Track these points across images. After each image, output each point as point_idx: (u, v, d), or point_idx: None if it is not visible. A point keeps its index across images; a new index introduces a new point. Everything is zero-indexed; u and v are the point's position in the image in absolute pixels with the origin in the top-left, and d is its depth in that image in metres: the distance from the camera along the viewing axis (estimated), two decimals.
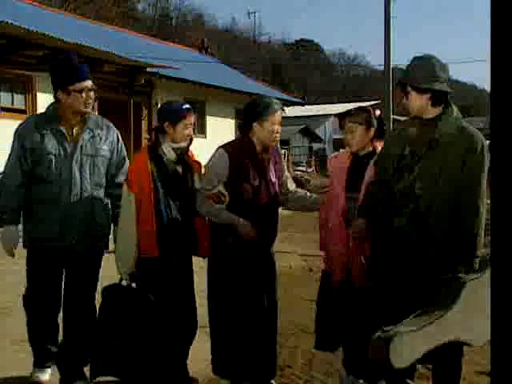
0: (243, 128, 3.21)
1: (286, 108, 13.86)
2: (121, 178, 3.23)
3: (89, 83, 3.10)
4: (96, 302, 3.26)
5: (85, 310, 3.22)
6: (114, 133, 3.30)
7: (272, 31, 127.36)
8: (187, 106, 3.20)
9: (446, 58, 2.88)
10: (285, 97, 19.03)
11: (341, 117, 3.27)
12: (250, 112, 3.17)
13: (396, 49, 59.43)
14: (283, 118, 3.33)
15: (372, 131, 3.17)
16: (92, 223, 3.16)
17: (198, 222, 3.21)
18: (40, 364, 3.27)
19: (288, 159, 20.57)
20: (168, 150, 3.14)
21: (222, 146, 3.18)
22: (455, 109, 2.79)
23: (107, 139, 3.23)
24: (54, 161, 3.06)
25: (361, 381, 3.18)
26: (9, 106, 10.62)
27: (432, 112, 2.77)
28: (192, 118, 3.17)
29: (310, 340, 3.51)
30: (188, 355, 3.26)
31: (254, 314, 3.13)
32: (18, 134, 3.12)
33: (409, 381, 2.92)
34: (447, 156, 2.68)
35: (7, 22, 9.01)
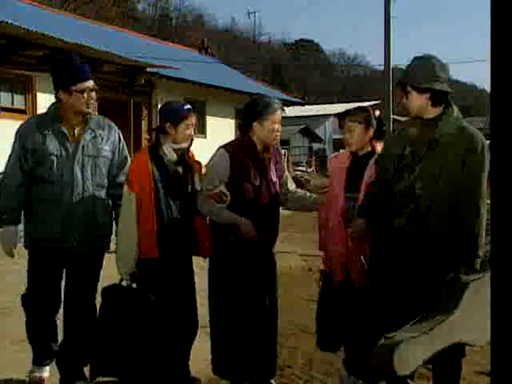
0: (243, 127, 3.21)
1: (286, 108, 13.87)
2: (122, 178, 3.23)
3: (90, 83, 3.10)
4: (96, 302, 3.26)
5: (85, 310, 3.22)
6: (116, 132, 3.29)
7: (272, 31, 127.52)
8: (188, 106, 3.20)
9: (445, 58, 2.88)
10: (285, 97, 19.02)
11: (340, 116, 3.29)
12: (250, 111, 3.17)
13: (396, 49, 59.44)
14: (283, 118, 3.33)
15: (371, 131, 3.17)
16: (93, 224, 3.16)
17: (199, 221, 3.21)
18: (39, 362, 3.27)
19: (288, 159, 20.56)
20: (169, 151, 3.14)
21: (223, 146, 3.18)
22: (455, 109, 2.79)
23: (109, 139, 3.22)
24: (55, 161, 3.06)
25: (360, 381, 3.18)
26: (9, 106, 10.62)
27: (432, 112, 2.77)
28: (193, 119, 3.18)
29: (310, 340, 3.51)
30: (190, 355, 3.26)
31: (254, 314, 3.13)
32: (20, 135, 3.11)
33: (409, 381, 2.92)
34: (447, 156, 2.68)
35: (7, 22, 9.01)
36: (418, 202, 2.73)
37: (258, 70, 39.98)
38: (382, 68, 19.10)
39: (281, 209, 3.36)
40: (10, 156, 3.13)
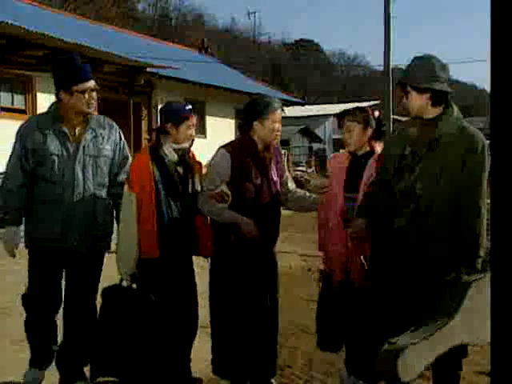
0: (244, 127, 3.21)
1: (285, 108, 13.86)
2: (123, 177, 3.22)
3: (92, 83, 3.09)
4: (96, 302, 3.26)
5: (85, 310, 3.22)
6: (117, 132, 3.29)
7: (272, 31, 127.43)
8: (190, 107, 3.21)
9: (445, 58, 2.88)
10: (285, 97, 19.01)
11: (339, 116, 3.30)
12: (250, 111, 3.18)
13: (396, 49, 59.49)
14: (283, 118, 3.34)
15: (369, 131, 3.19)
16: (93, 223, 3.15)
17: (200, 221, 3.21)
18: (37, 364, 3.24)
19: (288, 159, 20.56)
20: (169, 151, 3.14)
21: (224, 146, 3.19)
22: (456, 109, 2.79)
23: (110, 139, 3.22)
24: (56, 161, 3.05)
25: (361, 382, 3.18)
26: (9, 106, 10.62)
27: (432, 112, 2.77)
28: (194, 119, 3.19)
29: (310, 340, 3.51)
30: (190, 355, 3.26)
31: (256, 314, 3.13)
32: (20, 135, 3.10)
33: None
34: (447, 156, 2.68)
35: (7, 22, 9.01)
36: (418, 202, 2.73)
37: (258, 70, 39.97)
38: (381, 68, 19.13)
39: (281, 209, 3.36)
40: (10, 156, 3.12)
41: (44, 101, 9.36)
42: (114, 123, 3.32)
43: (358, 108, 3.29)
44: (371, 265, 2.97)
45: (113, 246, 3.27)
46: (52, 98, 3.18)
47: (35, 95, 10.90)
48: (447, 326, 2.40)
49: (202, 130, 15.34)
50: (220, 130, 15.60)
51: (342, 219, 3.11)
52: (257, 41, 54.23)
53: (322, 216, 3.36)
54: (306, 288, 5.39)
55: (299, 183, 3.45)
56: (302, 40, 60.48)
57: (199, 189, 3.21)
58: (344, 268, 3.14)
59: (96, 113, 3.24)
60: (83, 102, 3.06)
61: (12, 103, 10.77)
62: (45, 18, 14.55)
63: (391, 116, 17.51)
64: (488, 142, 2.47)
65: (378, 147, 3.19)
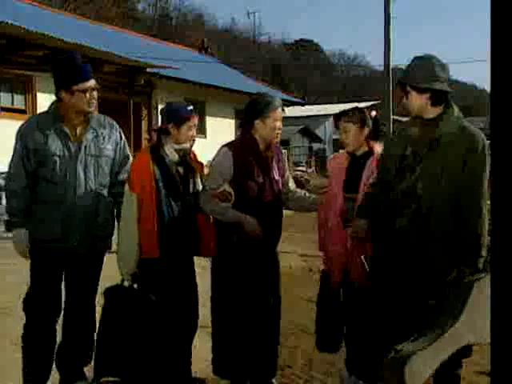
0: (245, 126, 3.22)
1: (285, 108, 13.87)
2: (123, 176, 3.21)
3: (92, 83, 3.07)
4: (96, 302, 3.26)
5: (85, 310, 3.21)
6: (117, 131, 3.27)
7: (272, 31, 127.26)
8: (191, 107, 3.21)
9: (446, 58, 2.88)
10: (285, 97, 19.01)
11: (336, 117, 3.31)
12: (251, 109, 3.18)
13: (396, 49, 59.47)
14: (283, 118, 3.34)
15: (366, 131, 3.19)
16: (94, 224, 3.13)
17: (202, 221, 3.21)
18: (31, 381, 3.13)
19: (288, 159, 20.56)
20: (170, 151, 3.14)
21: (226, 145, 3.19)
22: (456, 108, 2.79)
23: (111, 138, 3.20)
24: (58, 162, 3.03)
25: (361, 382, 3.18)
26: (9, 106, 10.64)
27: (432, 112, 2.77)
28: (195, 120, 3.19)
29: (310, 340, 3.51)
30: (191, 356, 3.26)
31: (258, 314, 3.13)
32: (21, 135, 3.07)
33: None
34: (448, 156, 2.68)
35: (7, 22, 9.03)
36: (419, 202, 2.73)
37: (258, 70, 39.97)
38: (381, 68, 19.13)
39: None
40: (12, 157, 3.09)
41: (44, 101, 9.36)
42: (114, 122, 3.30)
43: (353, 108, 3.30)
44: (372, 265, 2.97)
45: (114, 246, 3.26)
46: (52, 98, 3.17)
47: (35, 95, 10.91)
48: (452, 328, 2.40)
49: (201, 130, 15.35)
50: (220, 130, 15.61)
51: (342, 219, 3.12)
52: (257, 41, 54.24)
53: (322, 216, 3.36)
54: (306, 288, 5.39)
55: (299, 183, 3.45)
56: (301, 40, 60.48)
57: (200, 189, 3.21)
58: (343, 268, 3.14)
59: (96, 112, 3.23)
60: (84, 102, 3.04)
61: (12, 103, 10.79)
62: (45, 17, 14.56)
63: (391, 116, 17.51)
64: (488, 141, 2.47)
65: (377, 147, 3.19)
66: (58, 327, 3.23)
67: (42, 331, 3.13)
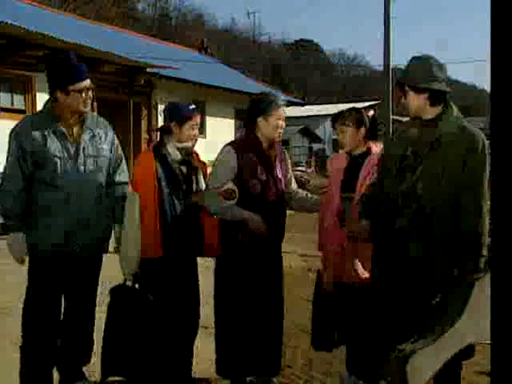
0: (248, 124, 3.22)
1: (285, 108, 13.82)
2: (118, 177, 3.19)
3: (88, 82, 3.04)
4: (97, 302, 3.26)
5: (85, 311, 3.21)
6: (111, 131, 3.25)
7: (272, 31, 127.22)
8: (193, 106, 3.22)
9: (446, 58, 2.88)
10: (284, 97, 19.00)
11: (333, 119, 3.31)
12: (254, 108, 3.19)
13: (396, 49, 59.25)
14: None
15: (363, 131, 3.20)
16: (96, 226, 3.09)
17: (206, 221, 3.20)
18: None
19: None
20: (173, 150, 3.15)
21: (229, 144, 3.20)
22: (455, 108, 2.79)
23: (107, 138, 3.18)
24: (59, 163, 2.96)
25: (361, 382, 3.18)
26: (8, 106, 10.63)
27: (431, 112, 2.76)
28: (198, 119, 3.20)
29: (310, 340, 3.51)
30: (192, 356, 3.26)
31: (261, 312, 3.14)
32: (16, 134, 2.99)
33: None
34: (448, 156, 2.68)
35: (7, 22, 9.03)
36: (419, 203, 2.72)
37: (258, 70, 39.96)
38: (381, 68, 19.11)
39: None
40: (7, 158, 3.00)
41: (44, 101, 9.35)
42: (107, 122, 3.26)
43: (350, 109, 3.31)
44: (373, 266, 2.97)
45: (111, 248, 3.25)
46: None
47: (35, 95, 10.91)
48: (453, 328, 2.39)
49: (201, 130, 15.35)
50: (220, 130, 15.62)
51: (339, 219, 3.12)
52: (257, 41, 54.23)
53: (321, 216, 3.37)
54: (305, 288, 5.37)
55: (299, 183, 3.45)
56: (301, 40, 60.45)
57: (203, 188, 3.21)
58: (338, 268, 3.14)
59: (95, 112, 3.22)
60: (80, 102, 3.00)
61: (12, 103, 10.78)
62: (45, 17, 14.55)
63: (391, 116, 17.49)
64: (488, 141, 2.47)
65: (375, 147, 3.20)
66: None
67: (41, 338, 3.08)
